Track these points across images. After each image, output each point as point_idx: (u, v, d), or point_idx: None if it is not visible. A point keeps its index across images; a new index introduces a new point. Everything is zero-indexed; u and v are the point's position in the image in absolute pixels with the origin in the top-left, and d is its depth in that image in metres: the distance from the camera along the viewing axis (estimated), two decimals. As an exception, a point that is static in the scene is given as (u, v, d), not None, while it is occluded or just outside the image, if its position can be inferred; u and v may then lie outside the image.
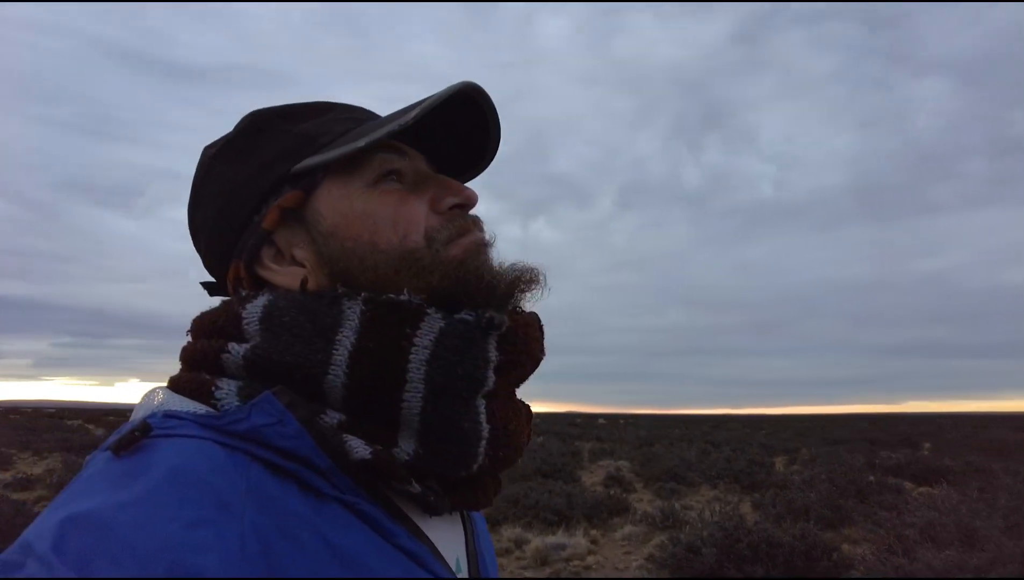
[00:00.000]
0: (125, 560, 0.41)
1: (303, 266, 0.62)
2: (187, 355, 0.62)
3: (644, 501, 11.42)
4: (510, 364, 0.60)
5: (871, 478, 10.72)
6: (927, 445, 21.52)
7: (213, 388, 0.56)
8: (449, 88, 0.61)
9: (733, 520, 6.79)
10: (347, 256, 0.61)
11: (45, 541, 0.42)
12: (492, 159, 0.73)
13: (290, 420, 0.52)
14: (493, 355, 0.58)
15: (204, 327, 0.61)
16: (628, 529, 9.04)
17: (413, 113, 0.59)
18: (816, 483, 10.60)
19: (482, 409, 0.58)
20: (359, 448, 0.53)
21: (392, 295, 0.57)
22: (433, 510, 0.59)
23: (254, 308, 0.58)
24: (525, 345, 0.61)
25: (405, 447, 0.56)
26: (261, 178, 0.64)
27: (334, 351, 0.55)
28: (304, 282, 0.61)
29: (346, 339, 0.55)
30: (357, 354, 0.55)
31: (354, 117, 0.66)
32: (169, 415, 0.53)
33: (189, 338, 0.63)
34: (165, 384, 0.62)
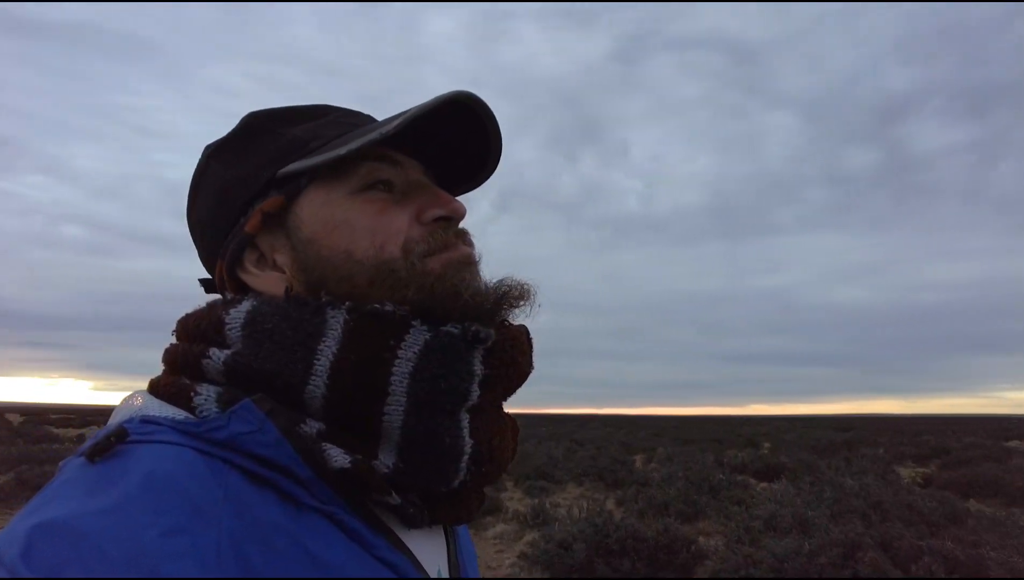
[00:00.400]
0: (97, 569, 0.40)
1: (283, 272, 0.62)
2: (169, 358, 0.61)
3: (515, 499, 11.66)
4: (496, 378, 0.59)
5: (720, 475, 11.66)
6: (767, 445, 23.70)
7: (192, 394, 0.55)
8: (439, 97, 0.59)
9: (602, 516, 7.13)
10: (323, 264, 0.60)
11: (14, 548, 0.41)
12: (493, 169, 0.72)
13: (270, 428, 0.51)
14: (478, 369, 0.58)
15: (188, 330, 0.60)
16: (500, 527, 9.21)
17: (395, 123, 0.58)
18: (673, 480, 11.36)
19: (465, 424, 0.58)
20: (338, 457, 0.53)
21: (377, 305, 0.56)
22: (412, 523, 0.58)
23: (237, 313, 0.58)
24: (512, 359, 0.60)
25: (385, 460, 0.55)
26: (250, 180, 0.63)
27: (315, 361, 0.54)
28: (289, 289, 0.60)
29: (328, 349, 0.55)
30: (338, 365, 0.54)
31: (351, 122, 0.65)
32: (147, 420, 0.52)
33: (173, 339, 0.62)
34: (145, 388, 0.60)
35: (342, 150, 0.58)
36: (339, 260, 0.59)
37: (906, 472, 14.13)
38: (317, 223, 0.61)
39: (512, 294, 0.62)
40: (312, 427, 0.54)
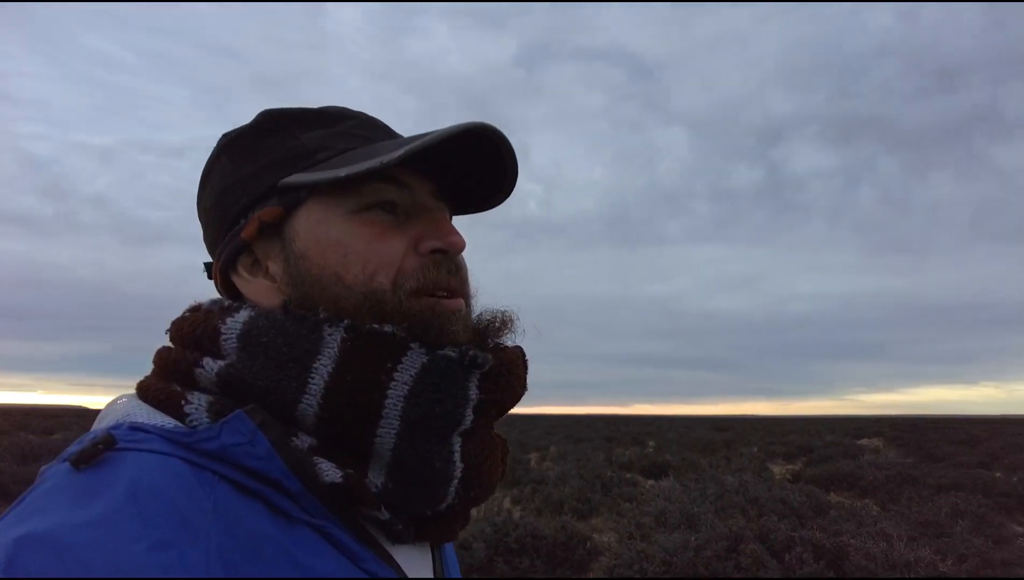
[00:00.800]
0: None
1: (274, 281, 0.61)
2: (161, 361, 0.60)
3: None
4: (490, 403, 0.59)
5: (611, 473, 12.13)
6: (652, 443, 24.86)
7: (183, 402, 0.54)
8: (454, 127, 0.57)
9: (501, 515, 7.23)
10: (312, 282, 0.59)
11: None
12: (509, 194, 0.69)
13: (261, 440, 0.51)
14: (474, 394, 0.58)
15: (182, 334, 0.59)
16: (397, 529, 9.09)
17: (398, 153, 0.56)
18: (567, 478, 11.69)
19: (457, 448, 0.58)
20: (330, 471, 0.52)
21: (375, 326, 0.56)
22: (398, 539, 0.58)
23: (234, 324, 0.57)
24: (508, 384, 0.60)
25: (374, 479, 0.55)
26: (253, 184, 0.62)
27: (310, 379, 0.54)
28: (287, 303, 0.59)
29: (323, 368, 0.54)
30: (333, 384, 0.54)
31: (364, 135, 0.64)
32: (135, 427, 0.51)
33: (167, 340, 0.62)
34: (132, 390, 0.58)
35: (341, 172, 0.57)
36: (328, 281, 0.58)
37: (777, 469, 15.31)
38: (311, 239, 0.59)
39: (494, 326, 0.63)
40: (304, 442, 0.54)
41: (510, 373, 0.60)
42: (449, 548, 0.73)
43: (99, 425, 0.55)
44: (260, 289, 0.61)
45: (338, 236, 0.59)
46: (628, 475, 12.93)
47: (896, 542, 6.14)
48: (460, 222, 0.70)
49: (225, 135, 0.65)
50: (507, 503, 10.46)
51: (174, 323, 0.61)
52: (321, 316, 0.56)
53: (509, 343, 0.64)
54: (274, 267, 0.61)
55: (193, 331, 0.58)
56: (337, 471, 0.53)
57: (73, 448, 0.48)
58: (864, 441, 25.73)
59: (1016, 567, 5.73)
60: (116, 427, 0.51)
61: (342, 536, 0.53)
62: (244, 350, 0.55)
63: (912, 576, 5.39)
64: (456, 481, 0.58)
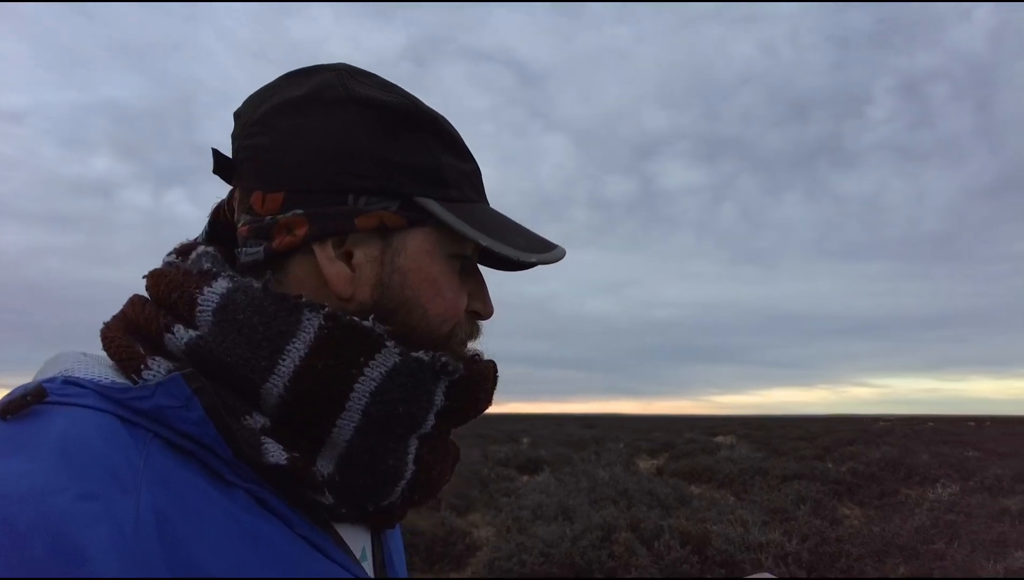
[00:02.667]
0: (5, 533, 0.38)
1: (353, 272, 0.58)
2: (132, 314, 0.57)
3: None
4: (454, 411, 0.60)
5: (487, 470, 12.24)
6: (526, 440, 25.38)
7: (143, 366, 0.53)
8: (559, 252, 0.65)
9: (379, 513, 7.08)
10: (399, 300, 0.58)
11: None
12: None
13: (195, 405, 0.50)
14: (439, 400, 0.58)
15: (159, 293, 0.57)
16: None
17: (533, 258, 0.62)
18: (446, 475, 11.65)
19: (412, 449, 0.58)
20: (275, 453, 0.52)
21: (355, 318, 0.55)
22: (336, 518, 0.58)
23: (212, 295, 0.55)
24: (475, 395, 0.61)
25: (322, 467, 0.55)
26: (388, 175, 0.58)
27: (280, 361, 0.53)
28: (267, 281, 0.56)
29: (296, 351, 0.53)
30: (302, 370, 0.53)
31: (479, 187, 0.66)
32: (69, 382, 0.49)
33: (146, 287, 0.59)
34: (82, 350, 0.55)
35: (512, 254, 0.60)
36: (414, 307, 0.59)
37: (643, 463, 16.18)
38: (416, 264, 0.59)
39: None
40: (257, 422, 0.53)
41: (479, 385, 0.61)
42: (393, 533, 0.72)
43: (38, 378, 0.52)
44: (338, 275, 0.57)
45: (438, 275, 0.60)
46: (505, 471, 13.10)
47: (751, 527, 6.68)
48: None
49: (356, 77, 0.60)
50: (383, 501, 10.26)
51: (152, 275, 0.59)
52: (303, 300, 0.55)
53: (484, 355, 0.65)
54: (361, 260, 0.58)
55: (170, 294, 0.56)
56: (283, 453, 0.52)
57: (2, 399, 0.46)
58: (720, 438, 27.78)
59: (847, 543, 6.42)
60: (50, 381, 0.49)
61: (274, 501, 0.52)
62: (218, 325, 0.54)
63: (764, 556, 5.88)
64: (405, 482, 0.58)
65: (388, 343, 0.55)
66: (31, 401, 0.45)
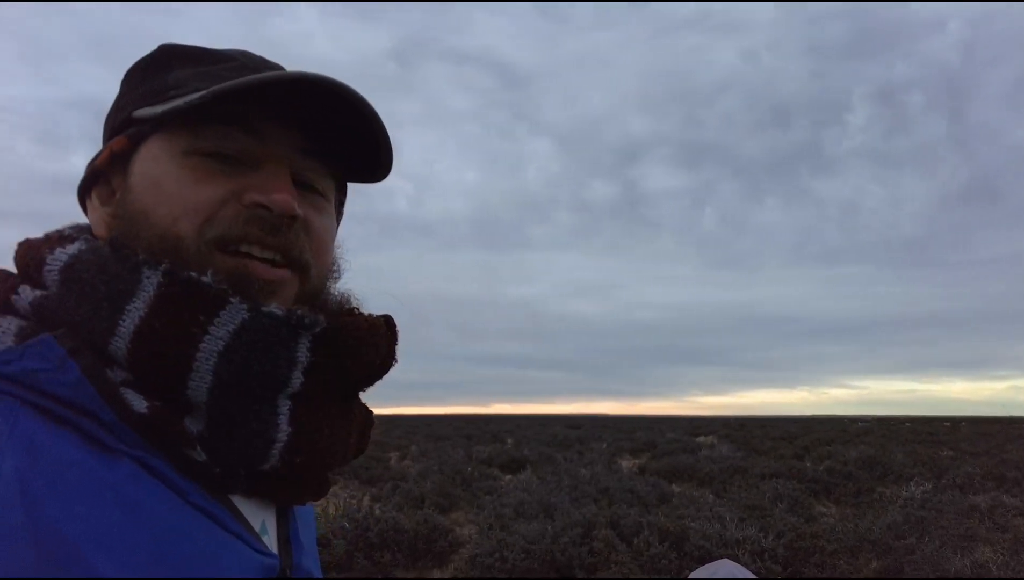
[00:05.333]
0: None
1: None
2: None
3: (263, 500, 10.97)
4: (327, 367, 0.55)
5: (470, 469, 12.28)
6: (510, 440, 25.41)
7: None
8: (284, 73, 0.54)
9: (361, 512, 7.10)
10: (128, 218, 0.56)
11: None
12: (384, 158, 0.63)
13: (71, 367, 0.48)
14: (303, 357, 0.54)
15: (18, 257, 0.57)
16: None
17: (197, 95, 0.53)
18: (429, 474, 11.68)
19: (284, 411, 0.54)
20: (136, 402, 0.49)
21: (193, 274, 0.52)
22: (224, 487, 0.54)
23: (61, 255, 0.54)
24: (350, 349, 0.57)
25: (192, 426, 0.52)
26: (117, 113, 0.62)
27: (120, 322, 0.50)
28: (115, 240, 0.55)
29: (136, 312, 0.50)
30: (142, 330, 0.50)
31: (216, 75, 0.59)
32: None
33: (13, 258, 0.58)
34: None
35: (157, 109, 0.56)
36: (139, 218, 0.56)
37: (625, 463, 16.29)
38: (140, 174, 0.57)
39: (335, 301, 0.63)
40: (118, 376, 0.50)
41: (354, 337, 0.57)
42: (303, 514, 0.69)
43: None
44: (100, 219, 0.60)
45: (159, 175, 0.56)
46: (488, 470, 13.15)
47: (728, 523, 6.80)
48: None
49: (146, 56, 0.64)
50: (367, 500, 10.26)
51: (19, 244, 0.58)
52: (141, 257, 0.52)
53: (367, 312, 0.62)
54: (116, 199, 0.60)
55: (24, 257, 0.56)
56: (143, 402, 0.49)
57: None
58: (701, 438, 27.97)
59: (822, 539, 6.56)
60: None
61: (165, 469, 0.49)
62: (63, 284, 0.53)
63: (740, 552, 5.99)
64: (280, 444, 0.54)
65: (233, 299, 0.52)
66: None
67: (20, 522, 0.41)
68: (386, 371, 0.62)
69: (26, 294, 0.53)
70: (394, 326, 0.63)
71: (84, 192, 0.62)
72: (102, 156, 0.60)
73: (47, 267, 0.54)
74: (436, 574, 6.49)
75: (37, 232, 0.60)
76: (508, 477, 12.77)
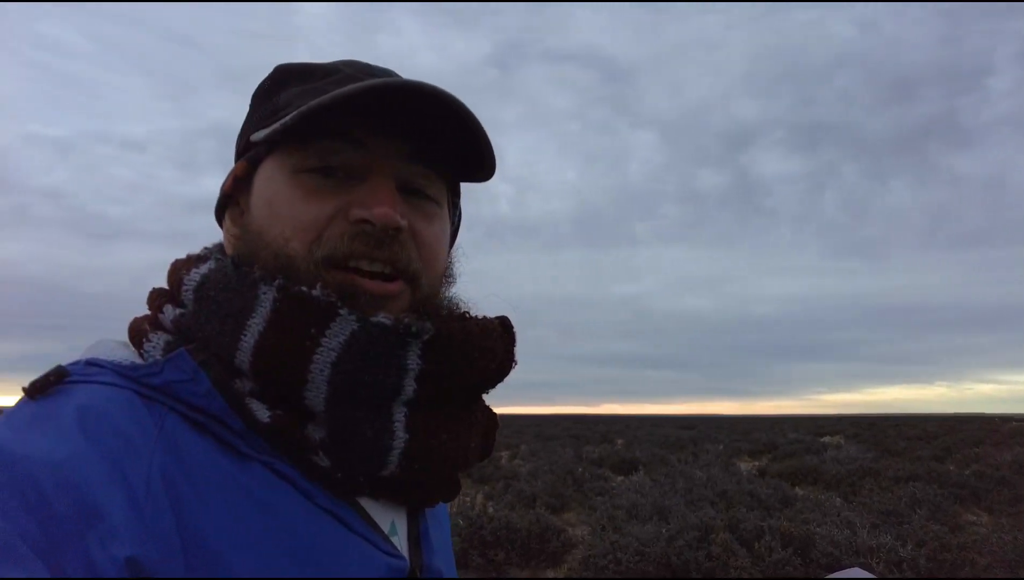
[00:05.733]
0: (29, 494, 0.41)
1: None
2: (148, 300, 0.63)
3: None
4: (440, 374, 0.56)
5: (581, 469, 12.23)
6: (620, 441, 25.09)
7: (145, 339, 0.57)
8: (356, 86, 0.54)
9: (475, 510, 7.25)
10: (248, 238, 0.60)
11: None
12: (488, 161, 0.63)
13: (202, 378, 0.52)
14: (414, 364, 0.55)
15: (169, 275, 0.62)
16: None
17: (288, 117, 0.55)
18: (539, 474, 11.74)
19: (400, 418, 0.56)
20: (260, 411, 0.53)
21: (303, 288, 0.54)
22: (341, 489, 0.56)
23: (196, 275, 0.59)
24: (461, 355, 0.57)
25: (314, 433, 0.54)
26: (243, 136, 0.65)
27: (242, 337, 0.54)
28: (235, 258, 0.59)
29: (256, 326, 0.53)
30: (261, 344, 0.53)
31: (322, 89, 0.59)
32: (91, 363, 0.53)
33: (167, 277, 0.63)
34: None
35: (260, 134, 0.58)
36: (257, 238, 0.58)
37: (743, 465, 15.61)
38: (258, 195, 0.60)
39: (444, 306, 0.63)
40: (245, 386, 0.54)
41: (466, 342, 0.57)
42: (436, 514, 0.70)
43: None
44: (230, 238, 0.64)
45: (273, 195, 0.59)
46: (599, 471, 13.04)
47: (859, 529, 6.34)
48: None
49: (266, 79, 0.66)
50: (480, 499, 10.48)
51: (170, 264, 0.63)
52: (258, 274, 0.56)
53: (479, 315, 0.62)
54: (235, 219, 0.64)
55: (171, 277, 0.62)
56: (267, 412, 0.53)
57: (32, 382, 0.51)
58: (826, 438, 26.37)
59: (970, 550, 5.96)
60: (73, 363, 0.53)
61: (291, 472, 0.53)
62: (196, 302, 0.57)
63: (874, 561, 5.57)
64: (397, 451, 0.55)
65: (342, 311, 0.53)
66: (53, 381, 0.50)
67: (168, 515, 0.45)
68: (505, 374, 0.62)
69: (168, 312, 0.59)
70: (511, 328, 0.64)
71: (219, 213, 0.67)
72: (228, 180, 0.64)
73: (184, 286, 0.59)
74: (550, 574, 6.51)
75: (176, 251, 0.62)
76: (620, 478, 12.59)
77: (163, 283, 0.63)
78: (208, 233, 0.70)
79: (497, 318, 0.63)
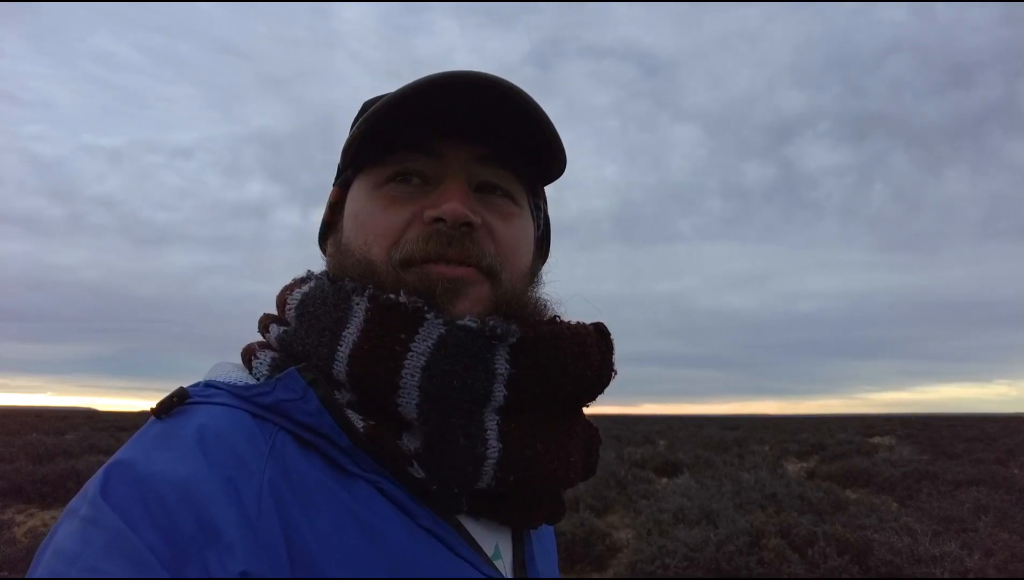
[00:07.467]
0: (155, 510, 0.45)
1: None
2: (259, 321, 0.67)
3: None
4: (530, 379, 0.56)
5: (624, 471, 12.05)
6: (662, 442, 24.75)
7: (253, 357, 0.61)
8: (426, 78, 0.55)
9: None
10: (340, 254, 0.64)
11: (95, 485, 0.47)
12: (558, 157, 0.64)
13: (312, 397, 0.54)
14: (503, 368, 0.55)
15: (277, 299, 0.66)
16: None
17: (349, 140, 0.62)
18: (582, 476, 11.61)
19: (492, 426, 0.55)
20: (356, 421, 0.54)
21: (391, 295, 0.56)
22: (439, 504, 0.56)
23: (298, 294, 0.62)
24: (552, 359, 0.56)
25: (409, 443, 0.55)
26: (339, 165, 0.69)
27: (338, 347, 0.56)
28: (330, 273, 0.63)
29: (350, 337, 0.56)
30: (355, 353, 0.55)
31: (396, 105, 0.60)
32: (210, 385, 0.57)
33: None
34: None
35: (341, 162, 0.65)
36: (345, 251, 0.63)
37: (791, 467, 15.19)
38: (347, 214, 0.65)
39: (531, 304, 0.64)
40: (344, 397, 0.56)
41: (555, 346, 0.57)
42: (542, 537, 0.70)
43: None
44: (328, 261, 0.69)
45: (357, 210, 0.63)
46: (642, 473, 12.84)
47: (921, 537, 6.06)
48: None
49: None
50: (522, 501, 10.44)
51: (281, 290, 0.67)
52: (350, 286, 0.58)
53: (571, 320, 0.62)
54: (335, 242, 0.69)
55: (278, 299, 0.65)
56: (360, 421, 0.54)
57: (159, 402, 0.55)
58: (876, 439, 25.56)
59: (1044, 561, 5.64)
60: (194, 385, 0.57)
61: (396, 492, 0.54)
62: (298, 319, 0.60)
63: (938, 570, 5.31)
64: (491, 461, 0.55)
65: (428, 315, 0.55)
66: (176, 402, 0.53)
67: (278, 532, 0.47)
68: (605, 384, 0.61)
69: (274, 331, 0.62)
70: (607, 334, 0.62)
71: (322, 241, 0.72)
72: (326, 210, 0.70)
73: (288, 306, 0.62)
74: (595, 576, 6.41)
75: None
76: (664, 480, 12.38)
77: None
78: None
79: (592, 324, 0.63)
